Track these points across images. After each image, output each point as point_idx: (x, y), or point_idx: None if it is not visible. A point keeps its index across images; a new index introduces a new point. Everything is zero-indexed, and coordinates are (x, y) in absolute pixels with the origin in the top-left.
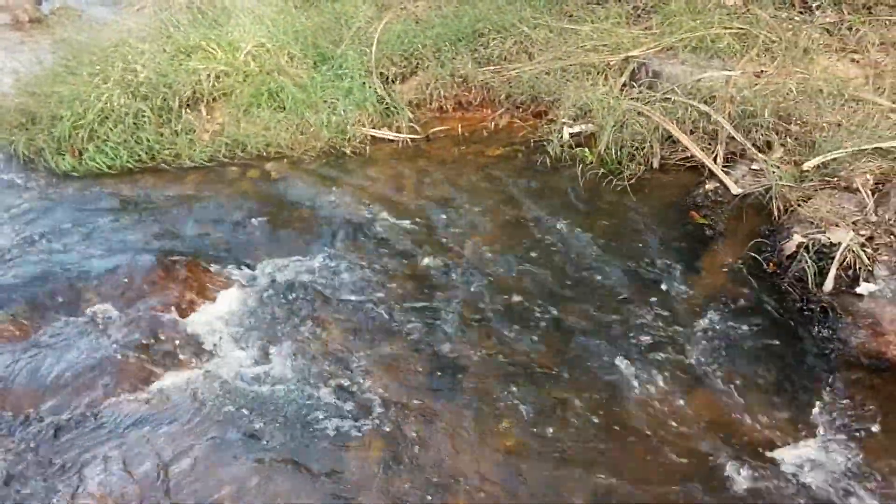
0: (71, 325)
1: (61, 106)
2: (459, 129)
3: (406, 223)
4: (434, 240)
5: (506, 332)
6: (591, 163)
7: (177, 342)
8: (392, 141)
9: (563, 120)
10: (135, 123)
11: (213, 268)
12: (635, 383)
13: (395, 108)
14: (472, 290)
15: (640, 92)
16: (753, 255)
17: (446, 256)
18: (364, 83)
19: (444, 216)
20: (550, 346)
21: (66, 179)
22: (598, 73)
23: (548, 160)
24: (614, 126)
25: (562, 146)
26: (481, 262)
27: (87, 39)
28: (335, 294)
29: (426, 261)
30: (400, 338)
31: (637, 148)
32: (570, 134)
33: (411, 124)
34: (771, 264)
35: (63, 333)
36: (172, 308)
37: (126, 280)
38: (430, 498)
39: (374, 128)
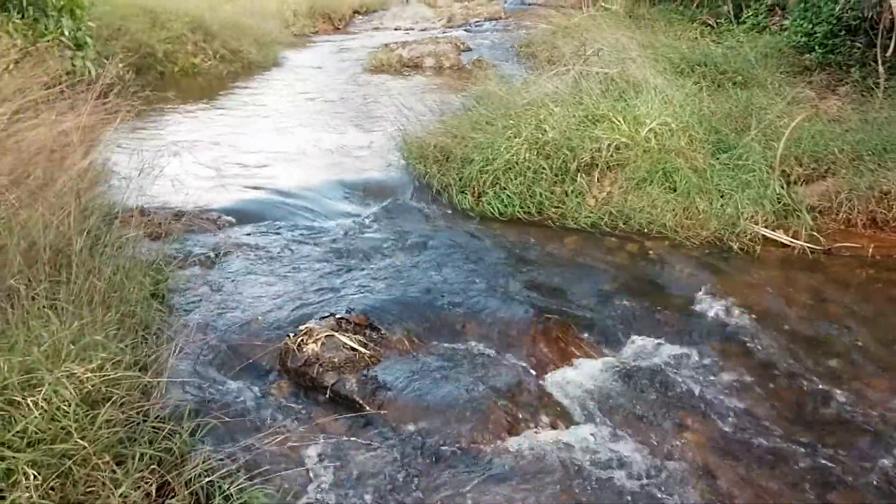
0: (451, 354)
1: (474, 151)
2: (870, 250)
3: (793, 343)
4: (827, 371)
5: None
6: None
7: (538, 400)
8: (786, 246)
9: None
10: (533, 178)
11: (582, 334)
12: None
13: (795, 211)
14: (875, 439)
15: None
16: None
17: (842, 393)
18: (763, 179)
19: (841, 348)
20: None
21: (462, 216)
22: None
23: None
24: None
25: None
26: (888, 413)
27: (505, 94)
28: (703, 397)
29: (816, 391)
30: (774, 468)
31: None
32: None
33: (812, 232)
34: None
35: (444, 360)
36: (540, 365)
37: (503, 325)
38: None
39: (766, 227)
